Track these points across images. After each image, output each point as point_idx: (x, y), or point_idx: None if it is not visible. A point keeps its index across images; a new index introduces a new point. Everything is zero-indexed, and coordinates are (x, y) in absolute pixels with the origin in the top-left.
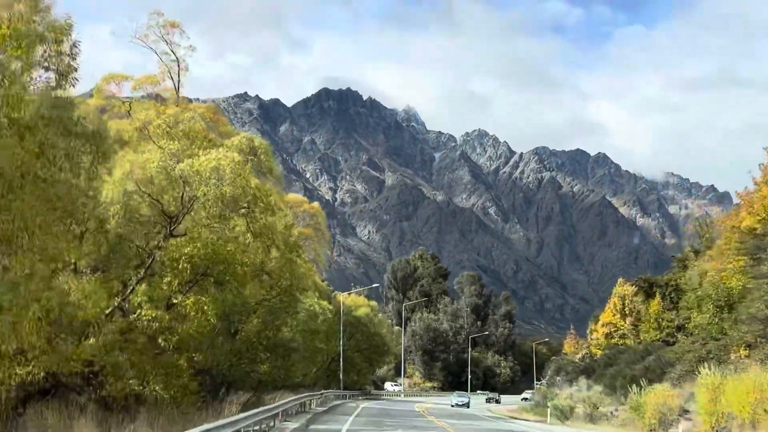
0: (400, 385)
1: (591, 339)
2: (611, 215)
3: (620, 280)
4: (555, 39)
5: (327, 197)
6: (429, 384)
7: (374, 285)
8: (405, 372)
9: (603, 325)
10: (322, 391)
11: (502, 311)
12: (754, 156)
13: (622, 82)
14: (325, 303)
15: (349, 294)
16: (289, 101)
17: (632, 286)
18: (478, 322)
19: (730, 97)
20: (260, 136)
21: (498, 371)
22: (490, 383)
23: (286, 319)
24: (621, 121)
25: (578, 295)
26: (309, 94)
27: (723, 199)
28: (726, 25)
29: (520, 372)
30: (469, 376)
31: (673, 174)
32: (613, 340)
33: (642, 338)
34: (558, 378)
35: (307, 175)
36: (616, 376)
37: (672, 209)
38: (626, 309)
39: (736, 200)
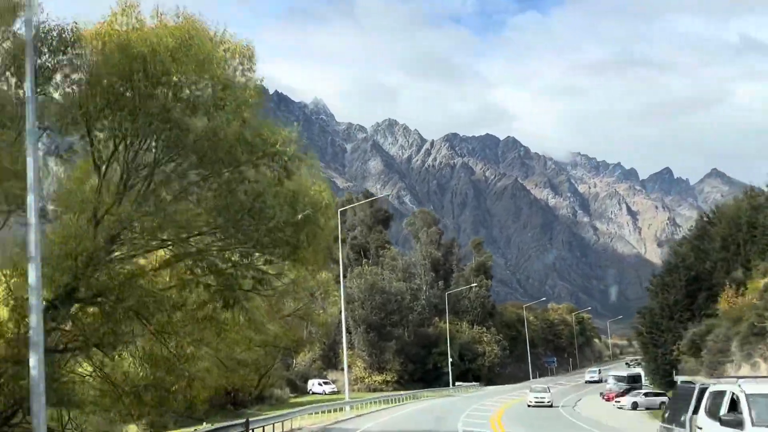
0: (332, 384)
1: None
2: (524, 197)
3: None
4: (455, 29)
5: None
6: (379, 377)
7: None
8: (344, 361)
9: None
10: None
11: (473, 264)
12: (656, 133)
13: (524, 67)
14: None
15: None
16: None
17: None
18: (439, 282)
19: (630, 79)
20: None
21: (481, 350)
22: (472, 370)
23: None
24: (527, 106)
25: (497, 278)
26: None
27: (630, 175)
28: (620, 8)
29: (508, 351)
30: (449, 360)
31: (580, 154)
32: None
33: None
34: None
35: None
36: None
37: (582, 188)
38: None
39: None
